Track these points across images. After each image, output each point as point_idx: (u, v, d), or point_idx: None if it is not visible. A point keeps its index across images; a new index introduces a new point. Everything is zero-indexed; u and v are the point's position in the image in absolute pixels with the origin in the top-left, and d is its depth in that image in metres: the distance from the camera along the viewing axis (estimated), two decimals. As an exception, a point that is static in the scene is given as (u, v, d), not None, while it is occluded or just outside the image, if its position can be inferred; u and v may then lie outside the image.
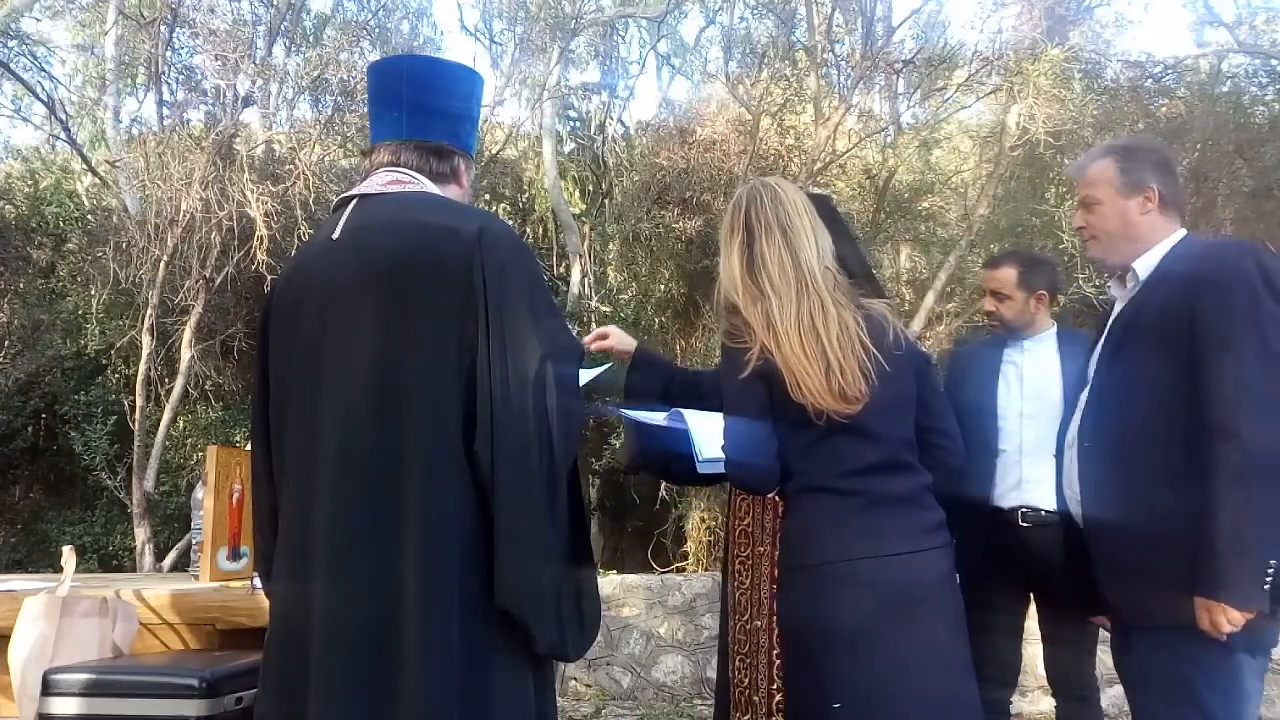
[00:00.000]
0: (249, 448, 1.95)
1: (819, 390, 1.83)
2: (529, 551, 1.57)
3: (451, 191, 1.82)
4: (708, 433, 2.23)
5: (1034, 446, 2.80)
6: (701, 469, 2.24)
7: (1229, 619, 1.84)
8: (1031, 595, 2.92)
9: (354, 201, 1.76)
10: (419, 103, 1.81)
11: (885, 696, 1.80)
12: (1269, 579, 1.81)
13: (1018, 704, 3.99)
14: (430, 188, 1.78)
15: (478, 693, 1.55)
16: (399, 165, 1.78)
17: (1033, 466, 2.79)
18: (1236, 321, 1.90)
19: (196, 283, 6.36)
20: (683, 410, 2.33)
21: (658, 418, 2.36)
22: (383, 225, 1.68)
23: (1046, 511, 2.74)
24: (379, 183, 1.77)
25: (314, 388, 1.65)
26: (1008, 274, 2.97)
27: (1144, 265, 2.13)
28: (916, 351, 2.08)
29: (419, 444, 1.57)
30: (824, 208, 2.65)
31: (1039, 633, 2.95)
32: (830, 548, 1.85)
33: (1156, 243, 2.13)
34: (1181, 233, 2.15)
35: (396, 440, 1.57)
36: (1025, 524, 2.78)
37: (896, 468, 1.92)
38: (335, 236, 1.72)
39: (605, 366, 2.23)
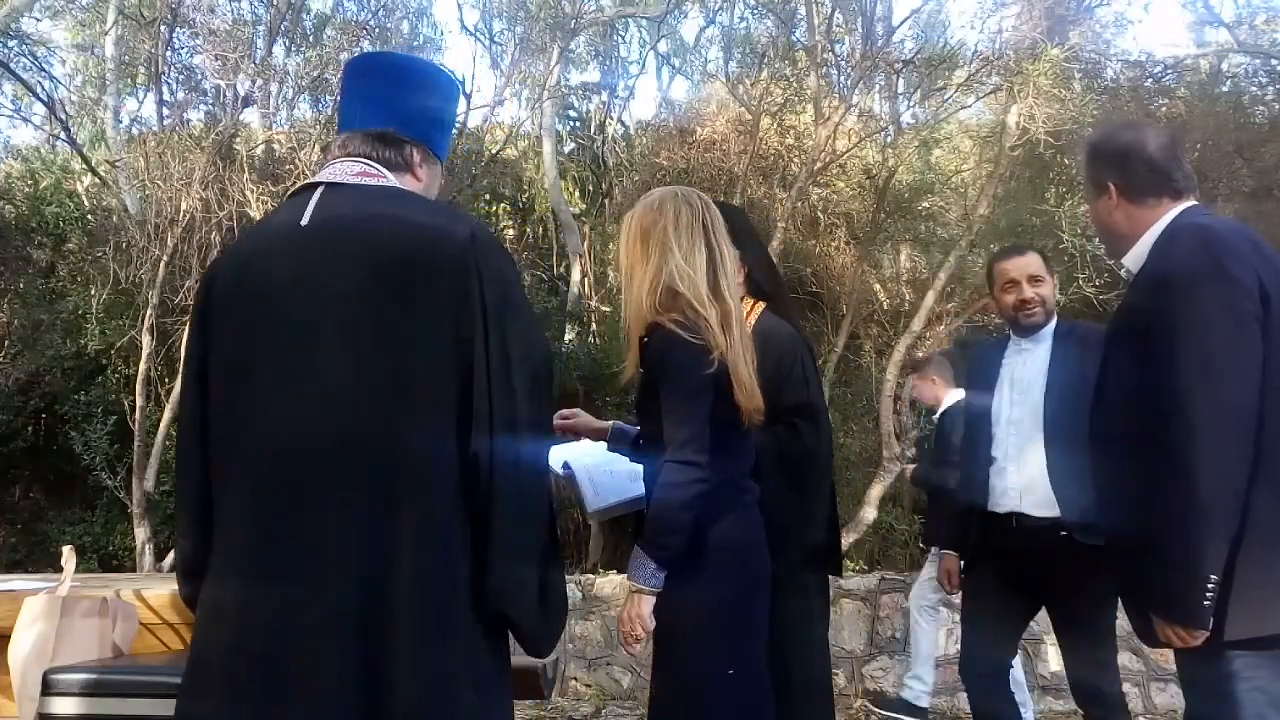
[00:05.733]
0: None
1: (749, 394, 2.02)
2: (524, 553, 1.59)
3: (407, 183, 1.78)
4: (597, 483, 2.31)
5: (1017, 453, 2.78)
6: (591, 519, 2.25)
7: (1176, 635, 1.78)
8: (1042, 601, 2.87)
9: (320, 189, 1.70)
10: (367, 92, 1.81)
11: (762, 665, 2.07)
12: (1209, 595, 1.70)
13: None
14: (393, 181, 1.75)
15: (475, 691, 1.54)
16: (352, 155, 1.76)
17: (1018, 473, 2.77)
18: (1173, 325, 1.79)
19: (196, 283, 6.36)
20: (571, 462, 2.41)
21: (555, 466, 2.38)
22: (364, 217, 1.65)
23: (1036, 516, 2.72)
24: (348, 173, 1.73)
25: (281, 378, 1.58)
26: (1035, 258, 2.91)
27: (1134, 260, 2.04)
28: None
29: (417, 441, 1.56)
30: (741, 221, 2.68)
31: (1037, 634, 2.94)
32: (729, 535, 2.03)
33: (1142, 233, 2.01)
34: (1172, 214, 1.99)
35: (394, 436, 1.55)
36: (1019, 528, 2.76)
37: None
38: (304, 223, 1.65)
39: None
